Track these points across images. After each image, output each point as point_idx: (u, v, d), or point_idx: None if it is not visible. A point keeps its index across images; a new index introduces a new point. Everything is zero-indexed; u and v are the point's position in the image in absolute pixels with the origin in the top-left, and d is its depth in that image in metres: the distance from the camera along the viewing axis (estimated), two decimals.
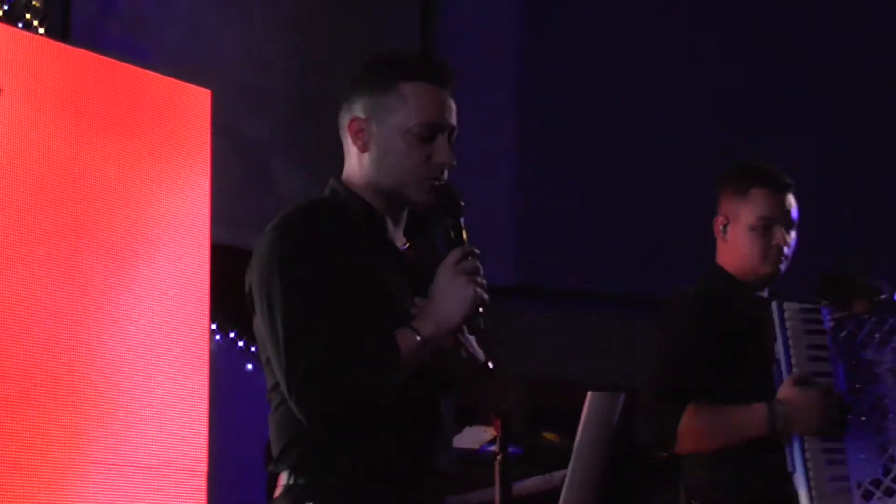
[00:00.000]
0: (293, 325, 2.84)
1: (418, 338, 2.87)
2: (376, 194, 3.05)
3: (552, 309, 8.74)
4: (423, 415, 2.99)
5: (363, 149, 3.03)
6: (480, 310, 2.91)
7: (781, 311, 3.83)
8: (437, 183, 3.00)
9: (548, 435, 5.76)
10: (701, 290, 4.13)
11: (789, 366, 3.80)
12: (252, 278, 2.95)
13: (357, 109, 3.04)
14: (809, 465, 3.74)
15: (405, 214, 3.11)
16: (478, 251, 2.95)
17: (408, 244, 3.12)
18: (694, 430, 3.90)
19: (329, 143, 3.24)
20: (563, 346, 8.54)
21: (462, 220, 2.99)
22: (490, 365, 3.06)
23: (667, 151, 8.77)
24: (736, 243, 4.08)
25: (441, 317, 2.88)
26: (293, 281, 2.86)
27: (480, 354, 3.05)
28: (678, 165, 8.57)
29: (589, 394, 4.76)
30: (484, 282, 2.92)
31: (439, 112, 3.00)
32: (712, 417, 3.90)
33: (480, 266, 2.93)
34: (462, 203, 3.00)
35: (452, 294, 2.88)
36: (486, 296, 2.91)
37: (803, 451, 3.76)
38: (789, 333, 3.81)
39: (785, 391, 3.79)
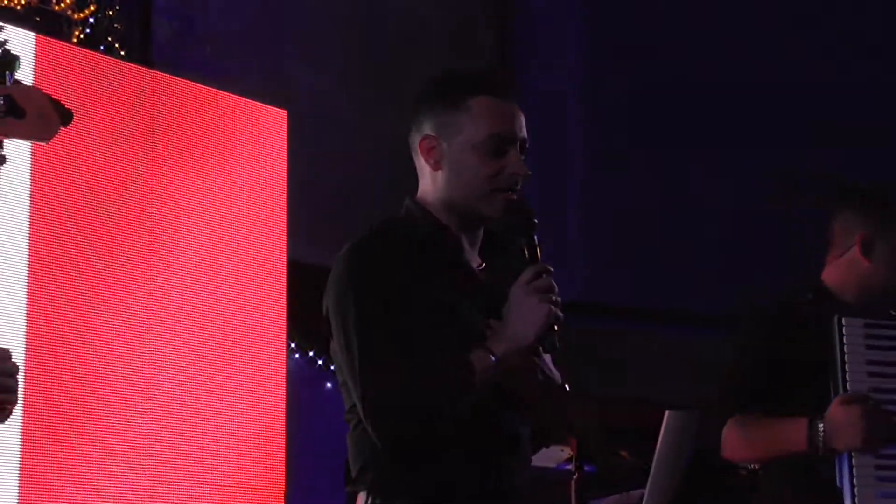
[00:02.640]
0: (368, 350, 2.84)
1: (492, 358, 2.87)
2: (451, 213, 3.05)
3: (625, 326, 8.70)
4: (500, 434, 2.98)
5: (436, 167, 3.04)
6: (555, 328, 2.89)
7: (841, 327, 3.80)
8: (511, 195, 3.01)
9: (624, 454, 5.74)
10: (787, 303, 4.08)
11: (844, 382, 3.77)
12: (328, 302, 2.97)
13: (426, 129, 3.05)
14: (856, 480, 3.70)
15: (480, 234, 3.11)
16: (551, 269, 2.93)
17: (483, 265, 3.12)
18: (733, 440, 3.89)
19: (405, 161, 3.26)
20: (638, 364, 8.49)
21: (536, 237, 2.98)
22: (566, 387, 3.05)
23: (738, 168, 8.71)
24: (888, 263, 4.02)
25: (515, 337, 2.87)
26: (367, 305, 2.87)
27: (557, 375, 3.04)
28: (753, 181, 8.51)
29: (667, 413, 4.74)
30: (558, 300, 2.90)
31: (508, 123, 3.00)
32: (752, 429, 3.89)
33: (555, 284, 2.92)
34: (535, 220, 2.99)
35: (526, 313, 2.87)
36: (560, 314, 2.89)
37: (851, 467, 3.73)
38: (846, 349, 3.78)
39: (831, 408, 3.77)
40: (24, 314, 5.44)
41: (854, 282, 4.01)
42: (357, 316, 2.89)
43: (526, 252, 2.97)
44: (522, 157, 3.03)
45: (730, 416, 3.88)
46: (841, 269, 4.05)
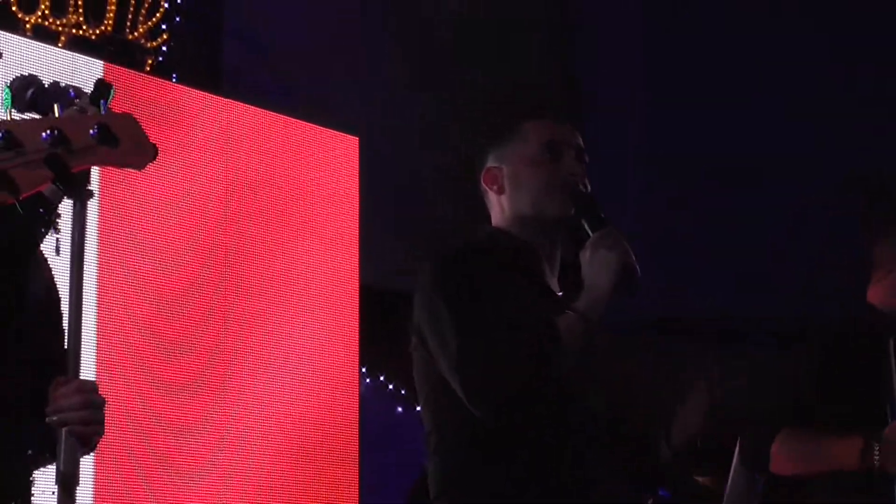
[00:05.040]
0: (463, 339, 2.91)
1: (574, 313, 2.93)
2: (523, 229, 3.13)
3: (697, 343, 8.67)
4: (588, 451, 3.01)
5: (500, 192, 3.15)
6: (632, 275, 2.95)
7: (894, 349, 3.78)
8: (572, 193, 3.08)
9: (702, 480, 5.71)
10: (846, 328, 4.07)
11: None
12: (418, 312, 3.03)
13: (489, 161, 3.18)
14: None
15: (558, 257, 3.16)
16: (619, 230, 3.00)
17: (562, 293, 3.16)
18: (784, 453, 3.86)
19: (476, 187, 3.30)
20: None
21: (602, 214, 3.03)
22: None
23: (802, 185, 8.66)
24: None
25: (591, 289, 2.95)
26: (458, 301, 2.96)
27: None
28: (813, 198, 8.45)
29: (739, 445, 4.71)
30: (629, 250, 2.96)
31: (559, 133, 3.14)
32: (803, 443, 3.86)
33: (623, 239, 2.98)
34: (597, 201, 3.06)
35: (595, 265, 2.95)
36: (633, 260, 2.96)
37: None
38: None
39: (888, 429, 3.73)
40: (94, 342, 5.48)
41: None
42: (449, 312, 2.96)
43: (588, 228, 3.02)
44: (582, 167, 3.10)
45: (776, 429, 3.85)
46: (888, 290, 4.04)
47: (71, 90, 2.14)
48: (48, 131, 1.93)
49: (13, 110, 2.18)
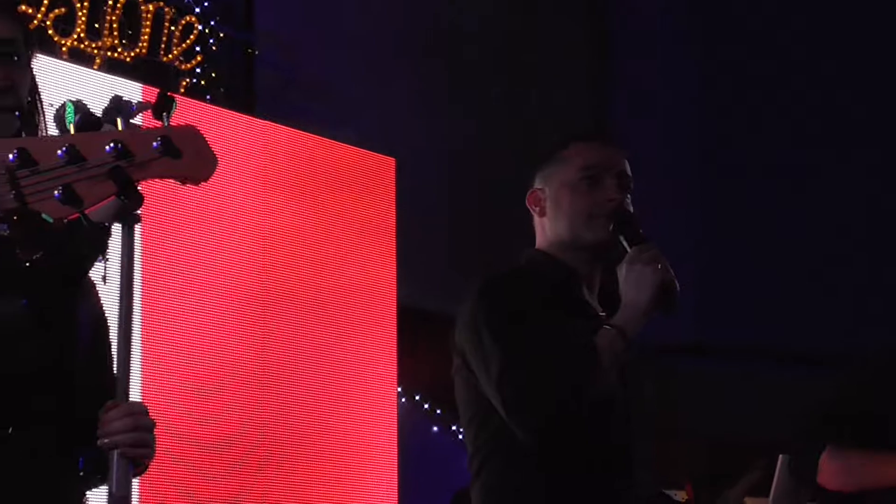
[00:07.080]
0: (504, 358, 2.90)
1: (612, 329, 2.92)
2: (564, 252, 3.12)
3: (735, 367, 8.63)
4: (622, 479, 3.01)
5: (542, 214, 3.14)
6: (671, 291, 2.92)
7: None
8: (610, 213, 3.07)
9: (750, 501, 5.66)
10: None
11: None
12: (461, 334, 3.03)
13: (536, 182, 3.18)
14: None
15: (598, 279, 3.15)
16: (655, 245, 2.98)
17: (604, 313, 3.16)
18: (835, 467, 3.82)
19: (514, 208, 3.31)
20: (749, 405, 8.41)
21: (640, 230, 3.03)
22: None
23: (847, 207, 8.63)
24: None
25: (630, 304, 2.93)
26: (500, 323, 2.95)
27: None
28: (859, 220, 8.42)
29: (780, 457, 4.68)
30: (667, 265, 2.93)
31: (598, 158, 3.10)
32: (855, 458, 3.83)
33: (660, 254, 2.95)
34: (634, 213, 3.05)
35: (633, 281, 2.93)
36: (671, 276, 2.92)
37: None
38: None
39: None
40: (139, 365, 5.50)
41: None
42: (491, 335, 2.95)
43: (630, 240, 3.01)
44: (627, 195, 3.08)
45: (825, 446, 3.82)
46: None
47: (132, 104, 2.13)
48: (111, 145, 1.91)
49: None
